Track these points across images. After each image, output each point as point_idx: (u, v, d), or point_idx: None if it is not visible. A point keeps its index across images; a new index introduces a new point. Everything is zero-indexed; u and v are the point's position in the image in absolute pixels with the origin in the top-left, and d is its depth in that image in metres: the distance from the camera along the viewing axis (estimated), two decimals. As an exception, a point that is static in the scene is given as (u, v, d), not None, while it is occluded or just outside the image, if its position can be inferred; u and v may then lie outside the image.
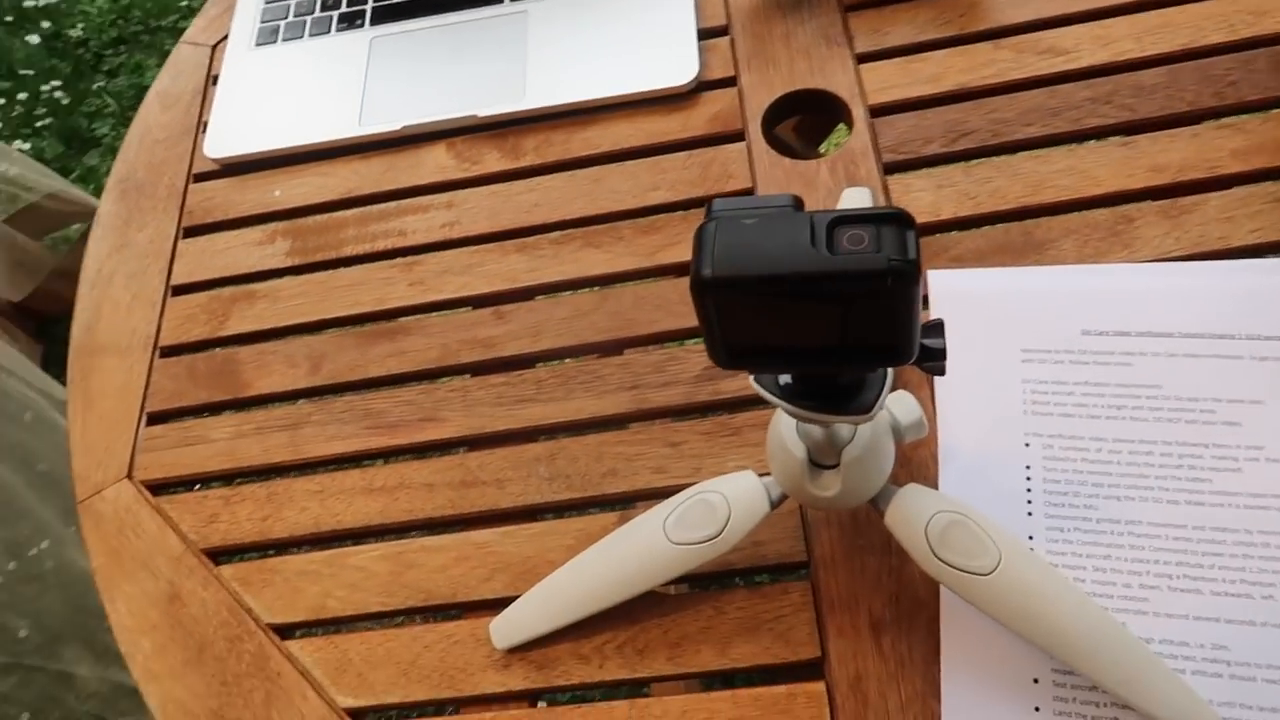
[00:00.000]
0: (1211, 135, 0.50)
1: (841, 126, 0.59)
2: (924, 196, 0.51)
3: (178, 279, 0.60)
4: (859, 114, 0.55)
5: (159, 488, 0.54)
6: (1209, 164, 0.49)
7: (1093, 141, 0.51)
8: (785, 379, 0.35)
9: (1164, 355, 0.44)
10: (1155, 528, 0.40)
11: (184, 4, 1.94)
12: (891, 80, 0.56)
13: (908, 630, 0.41)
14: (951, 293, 0.47)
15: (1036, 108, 0.53)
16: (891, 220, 0.28)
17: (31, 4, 1.99)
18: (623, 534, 0.43)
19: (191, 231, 0.62)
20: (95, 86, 1.90)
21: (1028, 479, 0.42)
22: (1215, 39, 0.52)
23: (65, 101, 1.86)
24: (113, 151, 1.79)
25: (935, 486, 0.43)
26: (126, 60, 1.92)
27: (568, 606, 0.43)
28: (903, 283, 0.27)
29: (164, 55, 1.88)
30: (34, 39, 1.94)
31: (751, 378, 0.35)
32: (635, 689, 0.43)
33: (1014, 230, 0.50)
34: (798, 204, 0.30)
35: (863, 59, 0.57)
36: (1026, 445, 0.43)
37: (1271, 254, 0.46)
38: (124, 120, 1.83)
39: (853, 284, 0.27)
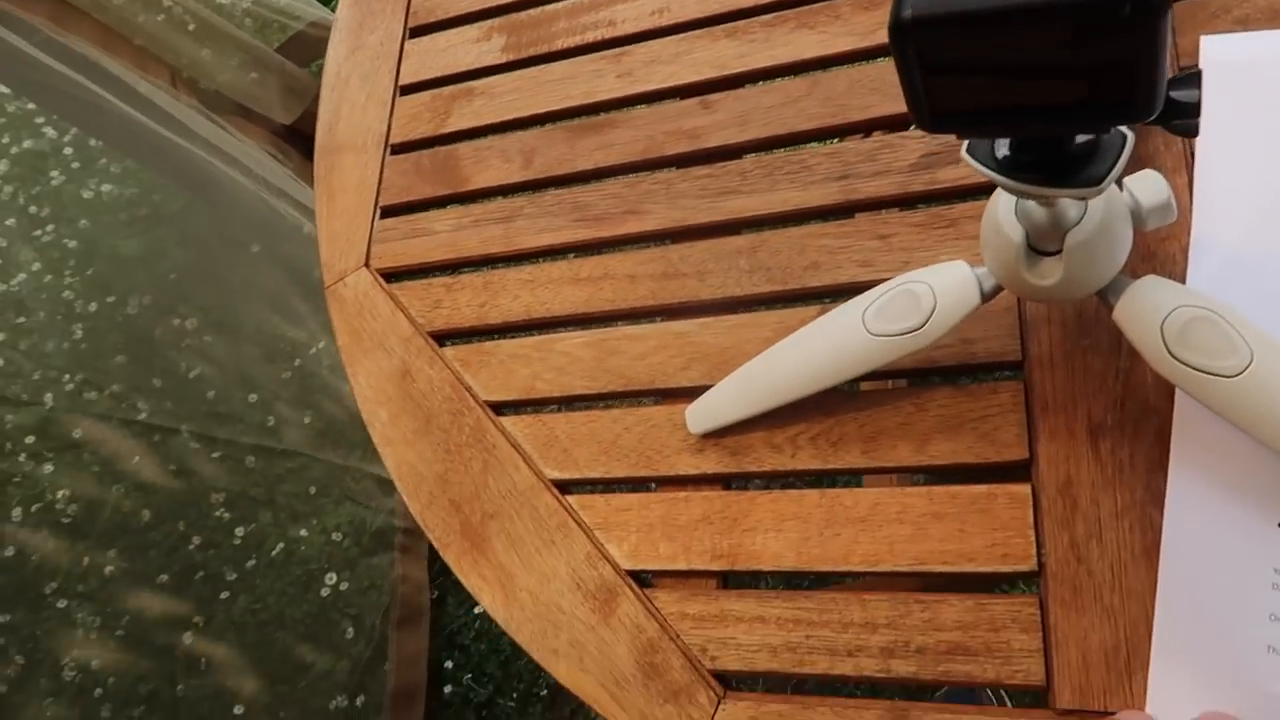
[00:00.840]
0: None
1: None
2: (1205, -54, 0.43)
3: (405, 79, 0.63)
4: None
5: (391, 275, 0.57)
6: None
7: None
8: (1003, 147, 0.31)
9: None
10: None
11: None
12: None
13: (1131, 436, 0.37)
14: (1230, 61, 0.40)
15: None
16: (1133, -68, 0.23)
17: None
18: (821, 323, 0.42)
19: (417, 31, 0.64)
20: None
21: (1300, 276, 0.36)
22: None
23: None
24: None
25: (1183, 283, 0.38)
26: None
27: (762, 395, 0.43)
28: (1145, 11, 0.23)
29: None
30: None
31: (963, 148, 0.32)
32: (829, 480, 0.43)
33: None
34: (1020, -73, 0.25)
35: None
36: (1303, 238, 0.37)
37: None
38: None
39: (1083, 15, 0.23)
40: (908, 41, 0.26)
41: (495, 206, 0.56)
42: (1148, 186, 0.35)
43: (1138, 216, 0.35)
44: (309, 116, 1.57)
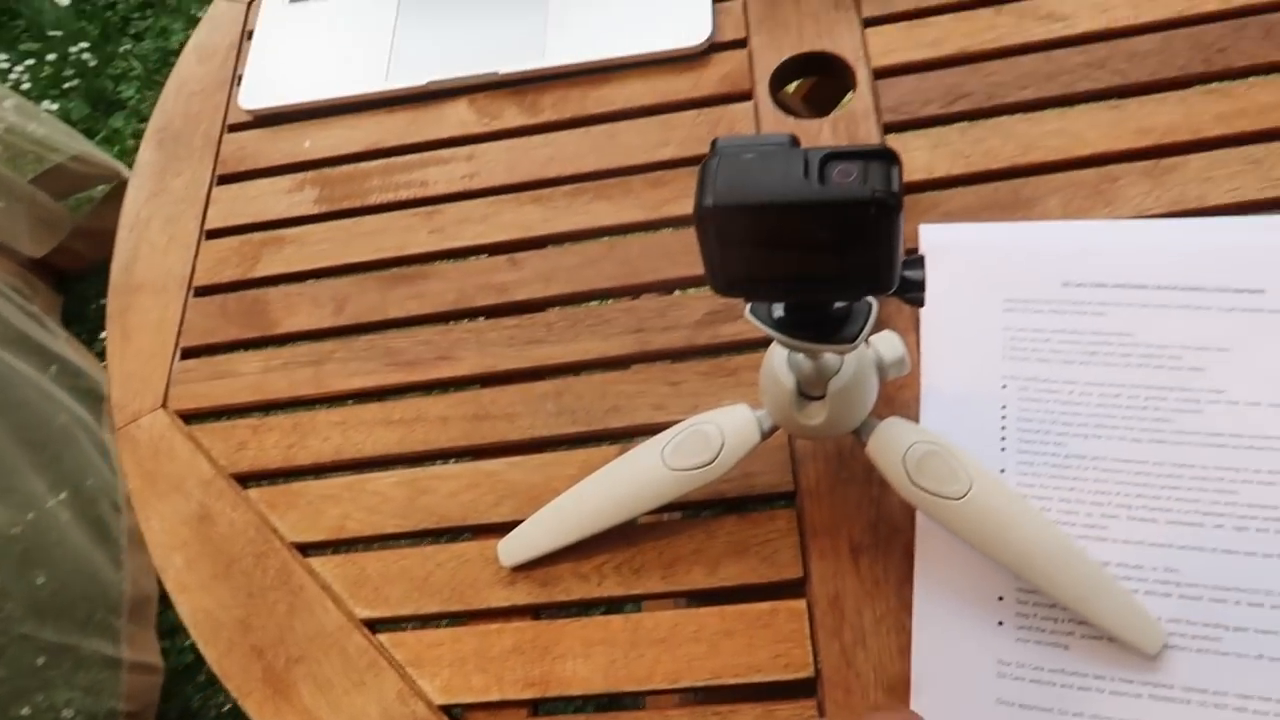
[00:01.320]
0: (1198, 100, 0.52)
1: (850, 95, 0.61)
2: (919, 155, 0.54)
3: (211, 224, 0.64)
4: (863, 76, 0.58)
5: (191, 417, 0.57)
6: (1193, 127, 0.51)
7: (1084, 105, 0.53)
8: (778, 311, 0.38)
9: (1137, 305, 0.46)
10: (1119, 463, 0.43)
11: (212, -31, 1.97)
12: (896, 44, 0.58)
13: (884, 554, 0.44)
14: (941, 245, 0.50)
15: (1033, 72, 0.55)
16: (878, 156, 0.31)
17: (64, -34, 2.02)
18: (623, 460, 0.46)
19: (225, 179, 0.65)
20: (122, 49, 1.93)
21: (1003, 417, 0.45)
22: (1209, 7, 0.54)
23: (93, 64, 1.89)
24: (137, 114, 1.82)
25: (918, 423, 0.46)
26: (153, 23, 1.95)
27: (570, 527, 0.47)
28: (885, 212, 0.30)
29: (190, 19, 1.91)
30: (64, 1, 1.97)
31: (746, 309, 0.38)
32: (631, 605, 0.46)
33: (1003, 188, 0.52)
34: (794, 142, 0.33)
35: (869, 23, 0.59)
36: (1003, 387, 0.46)
37: (1246, 213, 0.48)
38: (149, 83, 1.87)
39: (840, 212, 0.30)
40: (709, 223, 0.32)
41: (305, 350, 0.57)
42: (888, 344, 0.43)
43: (881, 368, 0.43)
44: (63, 250, 1.50)
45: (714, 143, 0.33)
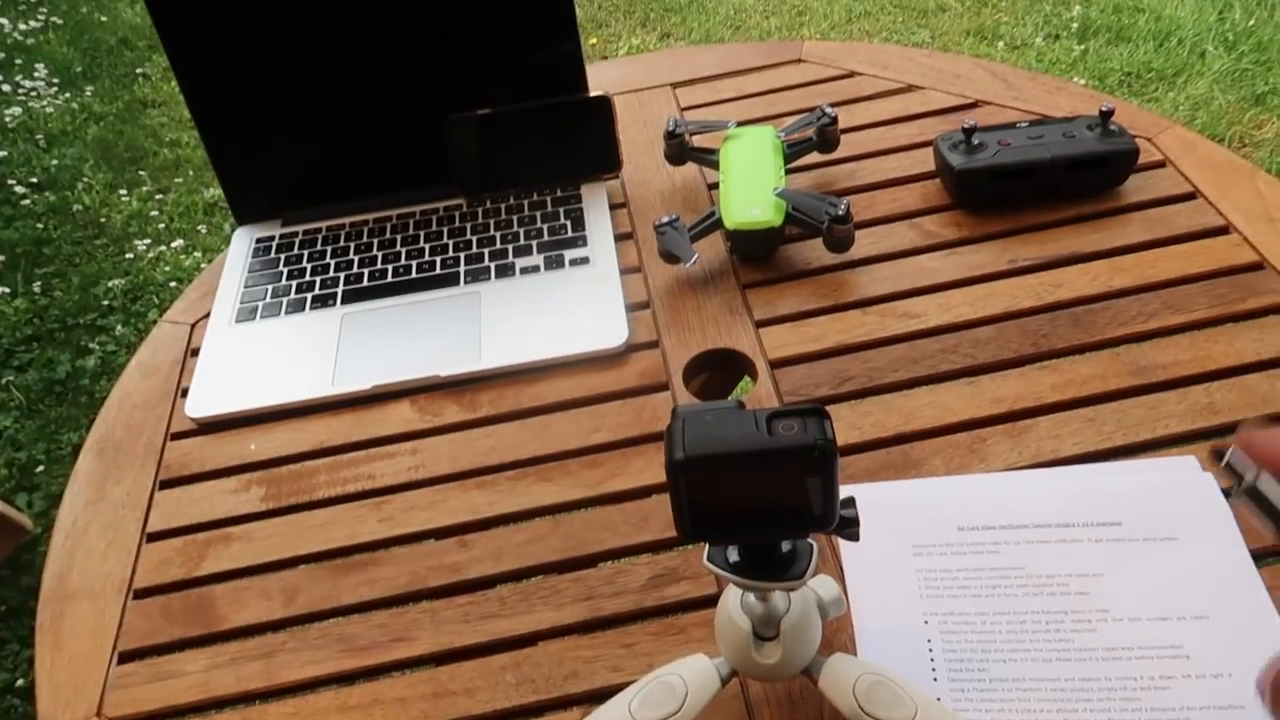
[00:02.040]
0: (1035, 374, 0.64)
1: (744, 381, 0.71)
2: (820, 429, 0.63)
3: (154, 526, 0.65)
4: (761, 366, 0.67)
5: (130, 723, 0.55)
6: (1035, 395, 0.62)
7: (947, 382, 0.64)
8: (734, 556, 0.43)
9: (1024, 543, 0.54)
10: (1036, 682, 0.48)
11: (104, 302, 2.04)
12: (785, 340, 0.69)
13: (847, 788, 0.47)
14: (863, 502, 0.57)
15: (900, 358, 0.66)
16: (813, 414, 0.38)
17: (-51, 303, 2.05)
18: (594, 717, 0.48)
19: (168, 484, 0.68)
20: (4, 381, 1.93)
21: (930, 650, 0.50)
22: (1028, 304, 0.68)
23: (-30, 396, 1.88)
24: (13, 444, 1.79)
25: (856, 662, 0.51)
26: (39, 355, 1.97)
27: (544, 793, 0.47)
28: (825, 456, 0.37)
29: (78, 350, 1.95)
30: (-53, 334, 1.99)
31: (704, 558, 0.43)
32: None
33: (894, 452, 0.61)
34: (740, 405, 0.40)
35: (760, 324, 0.70)
36: (925, 622, 0.52)
37: (1091, 461, 0.58)
38: (28, 413, 1.85)
39: (790, 457, 0.37)
40: (680, 473, 0.38)
41: (254, 644, 0.58)
42: (825, 586, 0.49)
43: (822, 607, 0.48)
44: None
45: (674, 409, 0.40)
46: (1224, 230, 0.71)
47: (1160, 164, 0.77)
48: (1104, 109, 0.74)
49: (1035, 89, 0.87)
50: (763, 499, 0.39)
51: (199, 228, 2.15)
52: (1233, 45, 2.12)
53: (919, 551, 0.55)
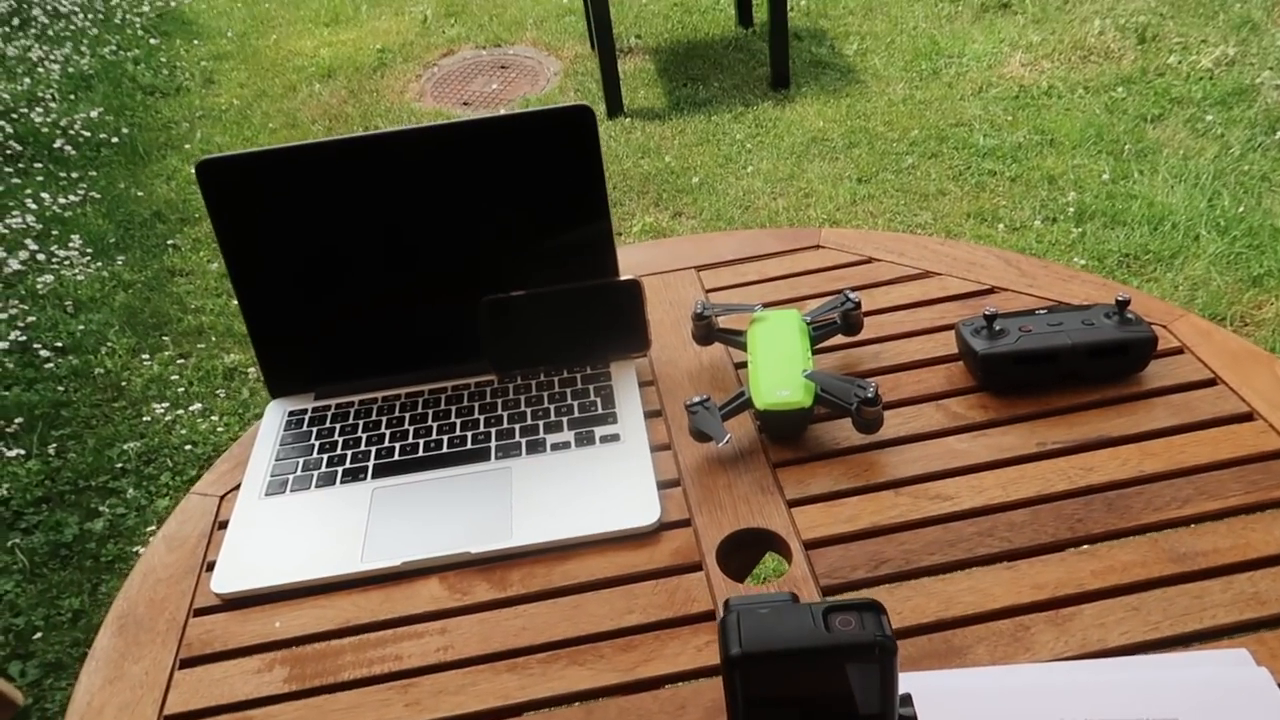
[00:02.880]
0: (1074, 559, 0.63)
1: (767, 557, 0.70)
2: (858, 614, 0.62)
3: (172, 708, 0.63)
4: (796, 547, 0.67)
5: None
6: (1076, 582, 0.62)
7: (985, 566, 0.64)
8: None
9: (1079, 740, 0.52)
10: None
11: (117, 465, 2.04)
12: (818, 520, 0.69)
13: None
14: (922, 690, 0.56)
15: (935, 540, 0.66)
16: (869, 608, 0.38)
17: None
18: None
19: (189, 662, 0.66)
20: (10, 544, 1.91)
21: None
22: (1060, 487, 0.68)
23: (-27, 558, 1.85)
24: (12, 609, 1.75)
25: None
26: (47, 518, 1.95)
27: None
28: (885, 653, 0.37)
29: (87, 513, 1.93)
30: (-44, 498, 1.98)
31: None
32: None
33: (936, 640, 0.60)
34: (794, 598, 0.40)
35: (792, 504, 0.70)
36: (983, 827, 0.49)
37: (1138, 652, 0.57)
38: (30, 577, 1.82)
39: (849, 654, 0.36)
40: (736, 669, 0.37)
41: (271, 839, 0.55)
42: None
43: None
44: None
45: (727, 602, 0.40)
46: (1249, 417, 0.72)
47: (1179, 350, 0.79)
48: (1120, 298, 0.77)
49: (1048, 277, 0.90)
50: (819, 695, 0.38)
51: (217, 392, 2.18)
52: (1225, 230, 2.21)
53: (970, 749, 0.53)
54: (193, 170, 3.17)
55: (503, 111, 0.80)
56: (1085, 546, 0.64)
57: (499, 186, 0.81)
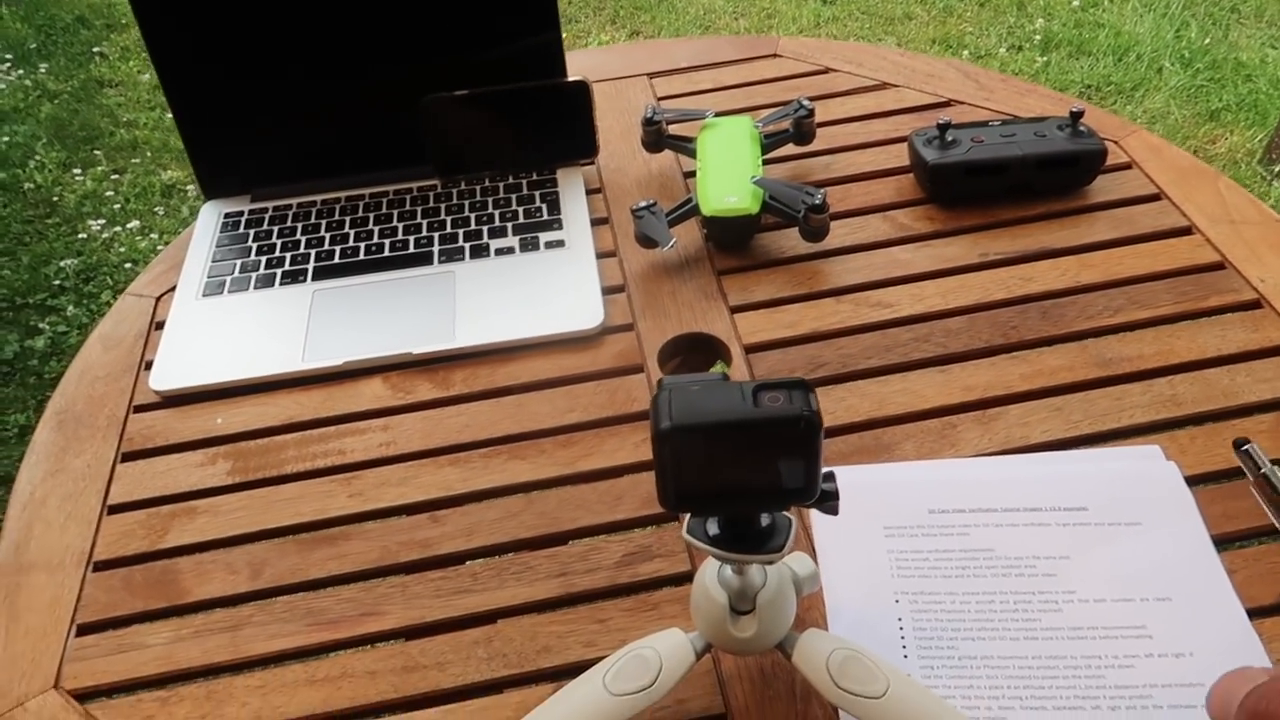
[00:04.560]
0: (1004, 364, 0.65)
1: (719, 365, 0.71)
2: (794, 413, 0.63)
3: (115, 499, 0.64)
4: (736, 351, 0.68)
5: (89, 695, 0.54)
6: (1005, 384, 0.63)
7: (919, 370, 0.65)
8: (713, 529, 0.43)
9: (992, 526, 0.55)
10: (1004, 660, 0.49)
11: (55, 282, 1.99)
12: (759, 326, 0.69)
13: (819, 761, 0.47)
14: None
15: (873, 346, 0.67)
16: (798, 386, 0.38)
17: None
18: (565, 692, 0.48)
19: (131, 456, 0.66)
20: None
21: (900, 628, 0.51)
22: (999, 296, 0.69)
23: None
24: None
25: (828, 640, 0.51)
26: (-14, 335, 1.92)
27: (516, 765, 0.47)
28: (810, 427, 0.37)
29: (27, 330, 1.90)
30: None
31: (683, 530, 0.43)
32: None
33: (866, 437, 0.62)
34: (726, 378, 0.40)
35: (735, 310, 0.71)
36: (896, 601, 0.52)
37: (1059, 448, 0.59)
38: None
39: (777, 427, 0.37)
40: (666, 442, 0.38)
41: (220, 616, 0.57)
42: (800, 562, 0.49)
43: (797, 584, 0.48)
44: None
45: (659, 381, 0.40)
46: (1187, 231, 0.73)
47: (1127, 166, 0.79)
48: (1074, 110, 0.76)
49: (1006, 90, 0.88)
50: (746, 470, 0.39)
51: (156, 209, 2.11)
52: (1189, 62, 2.18)
53: (890, 533, 0.55)
54: (114, -33, 2.94)
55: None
56: (1017, 353, 0.66)
57: (438, -26, 0.76)
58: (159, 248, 2.01)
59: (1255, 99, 2.06)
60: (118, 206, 2.12)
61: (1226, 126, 2.03)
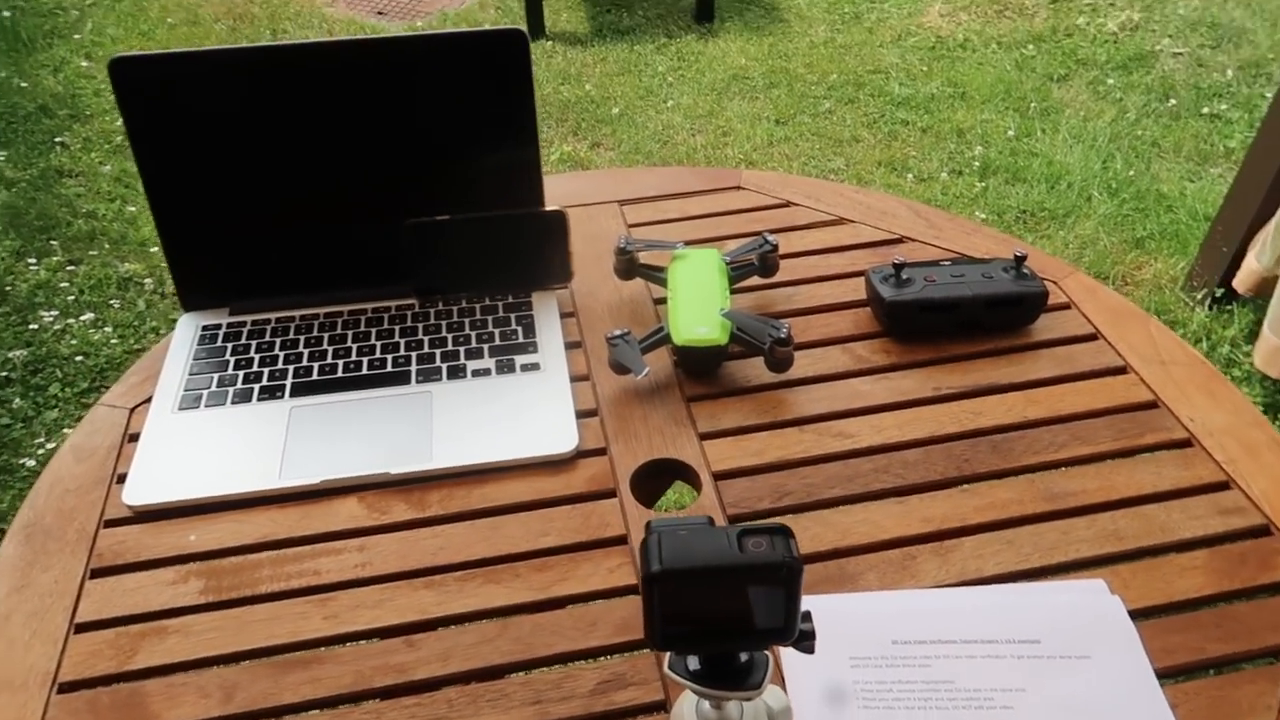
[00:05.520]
0: (959, 496, 0.68)
1: (672, 487, 0.74)
2: (762, 540, 0.66)
3: (83, 617, 0.63)
4: (705, 478, 0.71)
5: (50, 826, 0.53)
6: (960, 517, 0.67)
7: (879, 500, 0.68)
8: (693, 665, 0.45)
9: (952, 657, 0.58)
10: (968, 792, 0.51)
11: (2, 373, 1.95)
12: (727, 453, 0.72)
13: None
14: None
15: (836, 475, 0.70)
16: (780, 532, 0.41)
17: None
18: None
19: (100, 572, 0.66)
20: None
21: (869, 760, 0.53)
22: (952, 429, 0.73)
23: None
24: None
25: (798, 771, 0.53)
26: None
27: None
28: (792, 573, 0.40)
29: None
30: None
31: (665, 665, 0.45)
32: None
33: (831, 567, 0.64)
34: (710, 522, 0.43)
35: (704, 436, 0.74)
36: (864, 733, 0.54)
37: (1011, 580, 0.62)
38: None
39: (760, 573, 0.40)
40: (656, 584, 0.40)
41: (189, 743, 0.57)
42: (774, 696, 0.51)
43: (772, 717, 0.50)
44: None
45: (648, 524, 0.43)
46: (1123, 370, 0.79)
47: (1065, 306, 0.85)
48: (1018, 254, 0.82)
49: (954, 229, 0.95)
50: (730, 611, 0.42)
51: (111, 302, 2.09)
52: (1115, 192, 2.32)
53: (856, 663, 0.58)
54: (82, 62, 2.98)
55: (419, 24, 0.79)
56: (970, 485, 0.70)
57: (426, 106, 0.81)
58: (112, 340, 2.00)
59: (1176, 229, 2.20)
60: (71, 298, 2.10)
61: (1151, 254, 2.15)
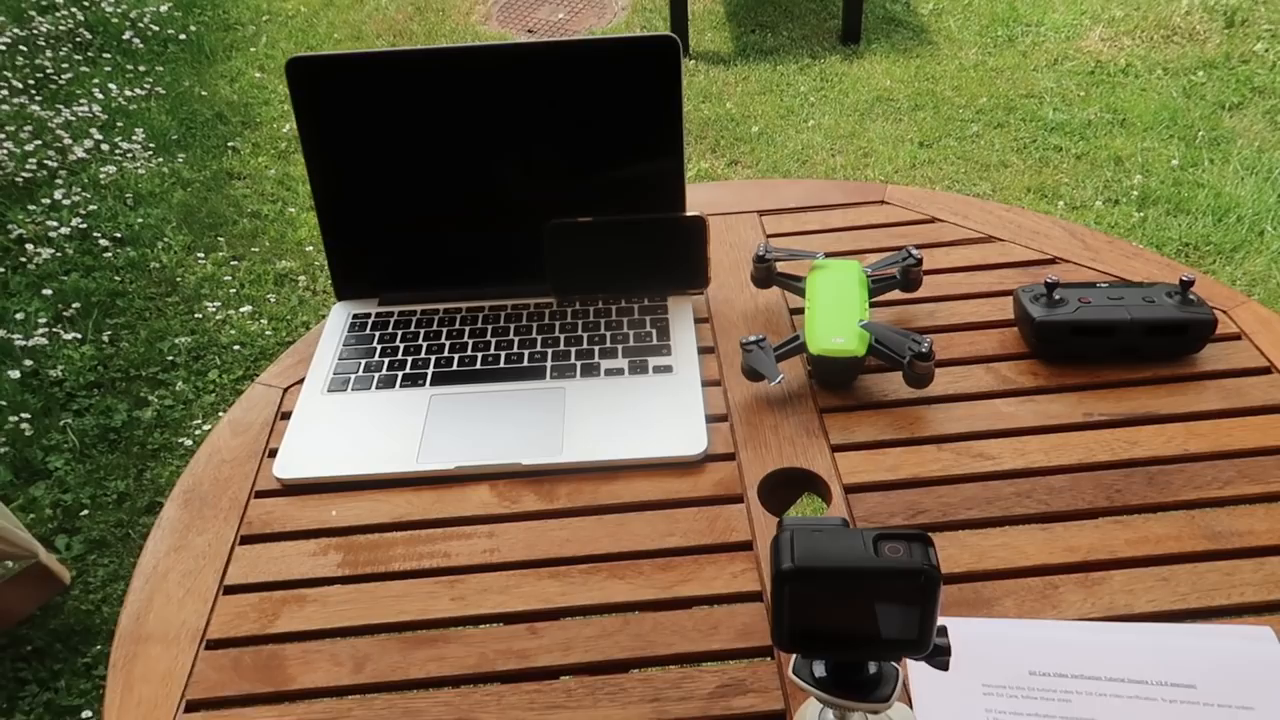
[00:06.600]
0: (1109, 527, 0.64)
1: (804, 498, 0.73)
2: (893, 557, 0.64)
3: (231, 580, 0.67)
4: (836, 490, 0.69)
5: (191, 772, 0.56)
6: (1109, 549, 0.63)
7: (1020, 525, 0.65)
8: (819, 671, 0.44)
9: (1095, 695, 0.54)
10: (1109, 838, 0.48)
11: (168, 357, 2.09)
12: (860, 467, 0.70)
13: None
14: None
15: (974, 497, 0.67)
16: (919, 539, 0.40)
17: (21, 343, 2.12)
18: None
19: (249, 539, 0.70)
20: (62, 423, 1.97)
21: (1000, 792, 0.50)
22: (1103, 458, 0.69)
23: (29, 433, 1.92)
24: (60, 485, 1.82)
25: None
26: (98, 402, 2.02)
27: None
28: (931, 581, 0.38)
29: (136, 401, 1.99)
30: (14, 374, 2.04)
31: (789, 669, 0.44)
32: None
33: (966, 589, 0.62)
34: (845, 523, 0.42)
35: (837, 449, 0.72)
36: (995, 764, 0.52)
37: (1164, 620, 0.58)
38: (80, 457, 1.89)
39: (897, 578, 0.38)
40: (787, 583, 0.40)
41: (321, 707, 0.59)
42: (903, 713, 0.49)
43: (897, 735, 0.48)
44: None
45: (780, 521, 0.42)
46: (1299, 407, 0.73)
47: (1236, 336, 0.79)
48: (1184, 278, 0.77)
49: (1112, 252, 0.90)
50: (861, 617, 0.40)
51: (268, 296, 2.22)
52: (1291, 228, 2.17)
53: (989, 691, 0.55)
54: (256, 73, 3.17)
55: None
56: (1121, 517, 0.65)
57: (579, 110, 0.82)
58: (266, 332, 2.12)
59: (1361, 269, 2.03)
60: (233, 291, 2.24)
61: (1330, 294, 2.00)
